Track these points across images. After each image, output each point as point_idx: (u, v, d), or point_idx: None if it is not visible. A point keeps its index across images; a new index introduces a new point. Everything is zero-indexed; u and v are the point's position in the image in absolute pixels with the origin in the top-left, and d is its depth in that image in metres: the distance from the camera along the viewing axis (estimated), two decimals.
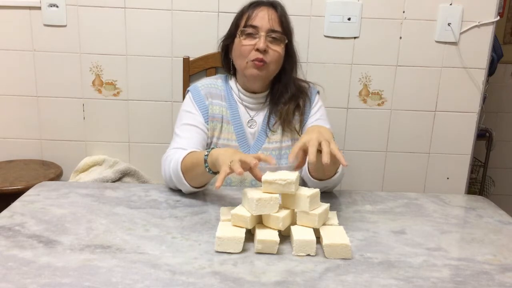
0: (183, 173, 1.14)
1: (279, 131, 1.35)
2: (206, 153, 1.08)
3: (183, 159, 1.15)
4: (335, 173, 1.19)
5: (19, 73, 1.78)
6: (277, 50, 1.29)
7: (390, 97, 1.82)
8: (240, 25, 1.31)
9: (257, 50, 1.26)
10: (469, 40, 1.75)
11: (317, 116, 1.38)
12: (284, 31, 1.30)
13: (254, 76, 1.29)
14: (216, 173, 1.08)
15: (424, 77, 1.79)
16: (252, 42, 1.27)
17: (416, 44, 1.76)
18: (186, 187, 1.16)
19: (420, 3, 1.72)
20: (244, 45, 1.28)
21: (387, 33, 1.75)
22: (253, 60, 1.27)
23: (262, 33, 1.27)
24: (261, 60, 1.26)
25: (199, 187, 1.18)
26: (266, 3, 1.32)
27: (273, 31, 1.28)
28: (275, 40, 1.29)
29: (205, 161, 1.07)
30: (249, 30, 1.28)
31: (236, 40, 1.31)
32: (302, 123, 1.37)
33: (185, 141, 1.26)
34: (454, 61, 1.77)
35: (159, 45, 1.75)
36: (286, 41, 1.31)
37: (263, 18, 1.28)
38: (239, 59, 1.31)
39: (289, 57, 1.35)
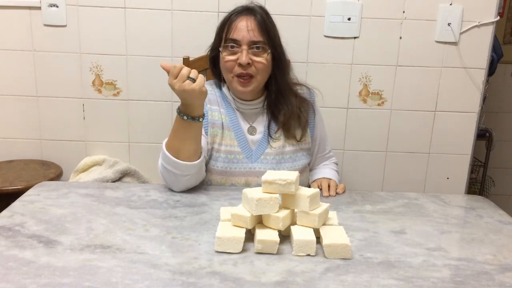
0: (168, 150, 1.16)
1: (282, 137, 1.34)
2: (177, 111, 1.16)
3: (165, 141, 1.19)
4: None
5: (19, 73, 1.78)
6: (261, 61, 1.26)
7: (390, 97, 1.82)
8: (222, 37, 1.29)
9: (240, 65, 1.25)
10: (469, 40, 1.75)
11: (319, 127, 1.42)
12: (266, 39, 1.26)
13: (241, 92, 1.29)
14: (191, 117, 1.14)
15: (424, 77, 1.79)
16: (235, 57, 1.25)
17: (416, 44, 1.76)
18: (177, 165, 1.15)
19: (420, 3, 1.72)
20: (227, 60, 1.26)
21: (387, 33, 1.75)
22: (238, 76, 1.26)
23: (244, 47, 1.24)
24: (246, 75, 1.25)
25: (190, 160, 1.17)
26: (245, 11, 1.28)
27: (254, 42, 1.25)
28: (258, 51, 1.26)
29: (179, 113, 1.15)
30: (230, 44, 1.26)
31: (220, 54, 1.29)
32: (306, 133, 1.37)
33: None
34: (454, 61, 1.77)
35: (159, 45, 1.75)
36: (269, 50, 1.27)
37: (242, 30, 1.25)
38: (225, 73, 1.30)
39: (278, 63, 1.31)
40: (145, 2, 1.72)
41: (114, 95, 1.81)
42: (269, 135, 1.34)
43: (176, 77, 1.08)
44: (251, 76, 1.26)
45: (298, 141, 1.35)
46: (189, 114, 1.14)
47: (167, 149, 1.17)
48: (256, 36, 1.25)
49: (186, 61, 1.69)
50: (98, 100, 1.81)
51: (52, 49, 1.76)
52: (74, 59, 1.77)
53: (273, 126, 1.34)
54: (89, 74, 1.78)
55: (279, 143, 1.33)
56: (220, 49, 1.28)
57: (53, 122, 1.83)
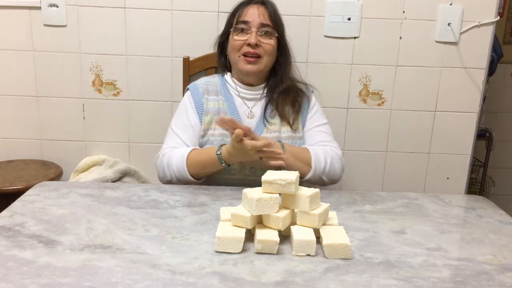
0: (189, 172, 1.26)
1: (277, 121, 1.38)
2: (218, 152, 1.23)
3: (187, 157, 1.26)
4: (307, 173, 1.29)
5: (19, 73, 1.77)
6: (269, 43, 1.36)
7: (390, 97, 1.82)
8: (233, 23, 1.39)
9: (249, 45, 1.33)
10: (469, 40, 1.75)
11: (313, 111, 1.43)
12: (274, 26, 1.37)
13: (247, 71, 1.35)
14: (228, 164, 1.25)
15: (424, 77, 1.79)
16: (244, 37, 1.35)
17: (416, 44, 1.76)
18: (189, 181, 1.28)
19: (420, 3, 1.72)
20: (236, 40, 1.35)
21: (387, 33, 1.75)
22: (245, 54, 1.34)
23: (254, 29, 1.34)
24: (254, 54, 1.33)
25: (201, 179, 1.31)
26: (256, 1, 1.39)
27: (263, 25, 1.35)
28: (266, 34, 1.36)
29: (219, 159, 1.23)
30: (241, 26, 1.35)
31: (230, 36, 1.39)
32: (298, 120, 1.40)
33: (183, 141, 1.34)
34: (454, 61, 1.77)
35: (159, 45, 1.75)
36: (277, 34, 1.37)
37: (253, 14, 1.35)
38: (232, 53, 1.38)
39: (282, 51, 1.41)
40: (145, 2, 1.72)
41: (114, 95, 1.81)
42: (265, 118, 1.38)
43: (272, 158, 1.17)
44: (258, 56, 1.34)
45: (291, 125, 1.37)
46: (228, 162, 1.24)
47: (190, 172, 1.26)
48: (266, 20, 1.35)
49: (186, 61, 1.69)
50: (98, 100, 1.81)
51: (52, 49, 1.75)
52: (74, 59, 1.77)
53: (269, 110, 1.39)
54: (89, 74, 1.78)
55: (275, 127, 1.37)
56: (231, 29, 1.38)
57: (53, 122, 1.83)
